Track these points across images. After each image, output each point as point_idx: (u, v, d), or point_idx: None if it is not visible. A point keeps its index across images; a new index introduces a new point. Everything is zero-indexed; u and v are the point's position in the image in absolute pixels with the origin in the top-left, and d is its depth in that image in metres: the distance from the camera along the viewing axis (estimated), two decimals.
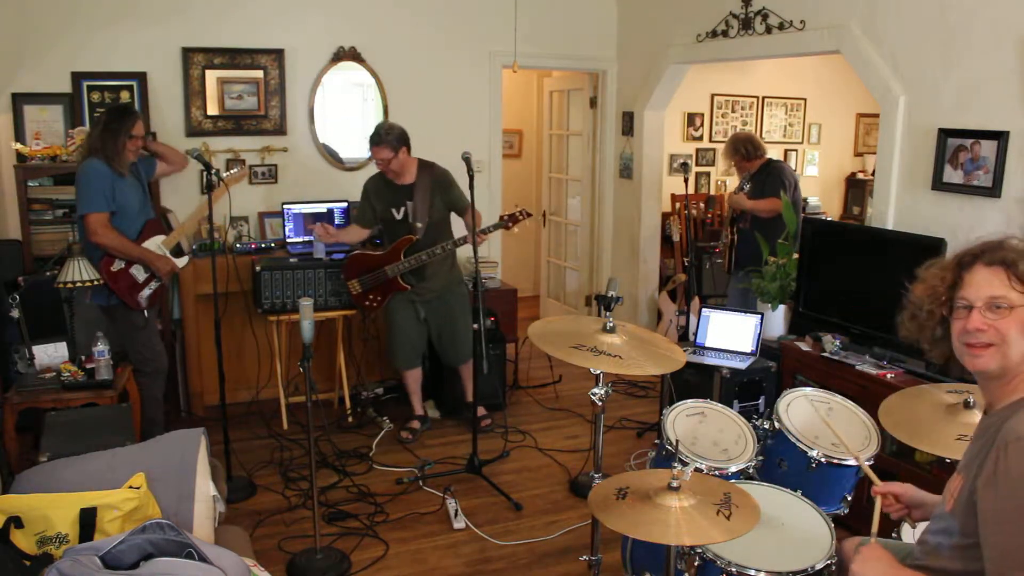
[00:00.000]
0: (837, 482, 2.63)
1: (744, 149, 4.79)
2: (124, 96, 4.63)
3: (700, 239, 6.24)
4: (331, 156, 5.24)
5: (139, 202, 3.76)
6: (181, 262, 3.91)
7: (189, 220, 4.00)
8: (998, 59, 3.28)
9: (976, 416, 2.20)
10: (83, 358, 3.44)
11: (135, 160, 3.75)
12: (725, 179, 6.89)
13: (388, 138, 4.06)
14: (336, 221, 4.94)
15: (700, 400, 2.92)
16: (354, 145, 5.38)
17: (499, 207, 5.68)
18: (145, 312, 3.74)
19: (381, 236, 4.48)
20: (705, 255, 5.99)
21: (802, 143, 7.31)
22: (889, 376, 3.36)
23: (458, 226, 4.32)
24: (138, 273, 3.71)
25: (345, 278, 4.35)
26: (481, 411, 4.35)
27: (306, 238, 4.76)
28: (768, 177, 4.69)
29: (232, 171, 4.20)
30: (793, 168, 6.64)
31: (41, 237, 4.33)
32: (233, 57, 4.87)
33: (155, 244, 3.78)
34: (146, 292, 3.74)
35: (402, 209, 4.21)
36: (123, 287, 3.68)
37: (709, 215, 6.61)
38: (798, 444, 2.62)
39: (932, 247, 3.34)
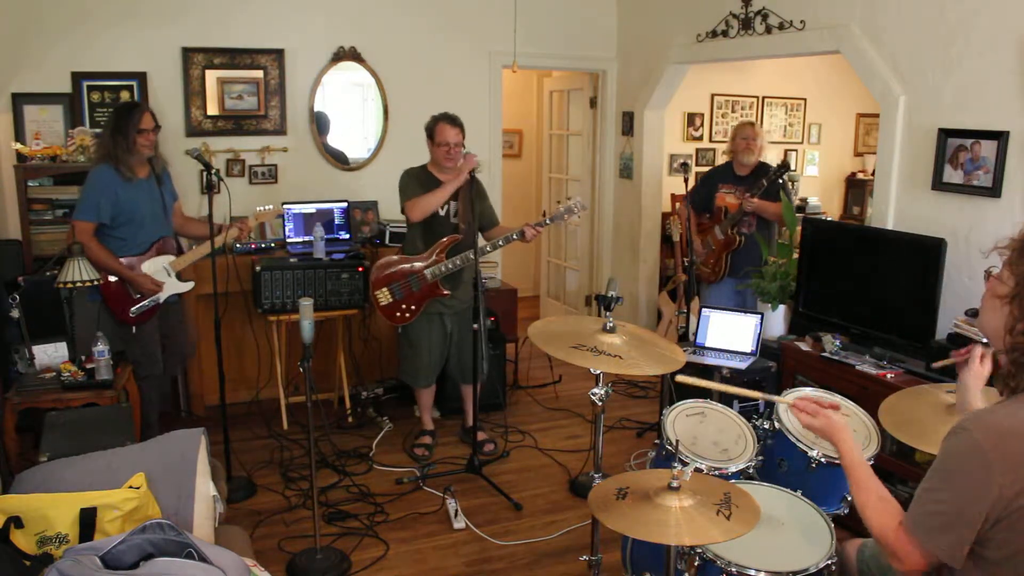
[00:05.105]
0: (837, 482, 2.62)
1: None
2: (124, 96, 4.63)
3: None
4: (332, 156, 5.25)
5: (150, 211, 3.71)
6: (185, 287, 3.85)
7: (205, 246, 3.79)
8: (998, 59, 3.29)
9: None
10: (83, 358, 3.44)
11: (151, 155, 3.67)
12: None
13: (461, 122, 3.98)
14: (336, 221, 4.94)
15: (700, 400, 2.92)
16: (355, 145, 5.39)
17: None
18: (133, 328, 3.72)
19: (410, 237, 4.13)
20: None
21: (802, 143, 7.30)
22: (889, 376, 3.36)
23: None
24: (132, 288, 3.70)
25: (372, 289, 4.03)
26: (481, 436, 4.24)
27: (306, 238, 4.76)
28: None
29: (267, 207, 4.15)
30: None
31: (41, 237, 4.33)
32: (233, 57, 4.87)
33: (158, 264, 3.75)
34: (136, 309, 3.71)
35: (446, 207, 4.00)
36: (113, 298, 3.68)
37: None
38: (798, 444, 2.62)
39: (932, 247, 3.35)
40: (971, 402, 1.98)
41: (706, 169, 6.86)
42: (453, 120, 3.97)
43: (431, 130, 3.98)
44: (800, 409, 1.94)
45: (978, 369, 2.00)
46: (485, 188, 4.21)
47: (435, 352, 4.15)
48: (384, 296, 4.01)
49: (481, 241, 4.11)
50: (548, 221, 3.99)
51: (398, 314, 4.03)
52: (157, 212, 3.75)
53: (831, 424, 1.87)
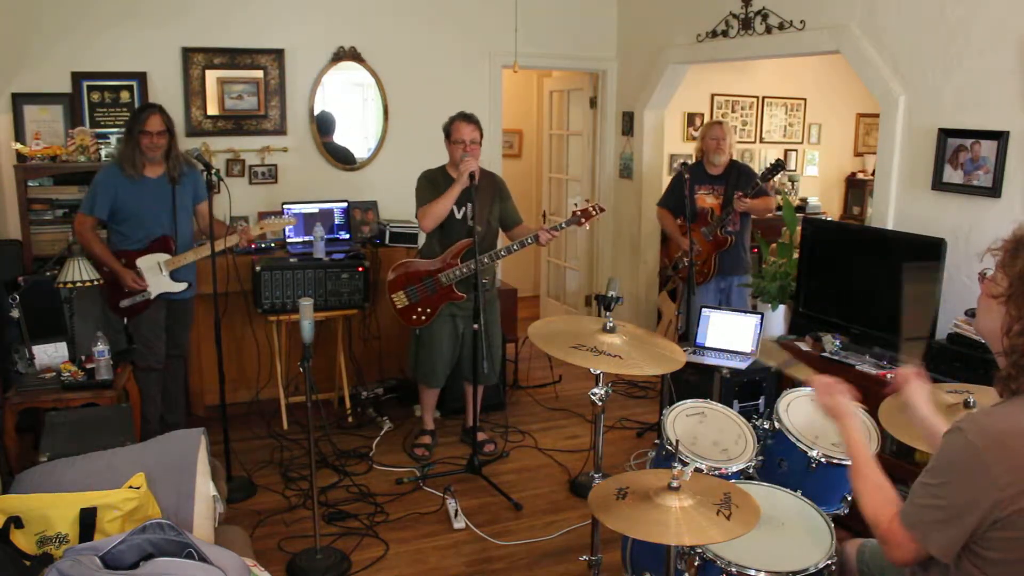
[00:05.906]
0: (837, 482, 2.63)
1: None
2: (124, 96, 4.63)
3: None
4: (339, 155, 5.25)
5: (154, 210, 3.74)
6: (177, 286, 3.85)
7: (205, 247, 3.80)
8: (998, 59, 3.29)
9: None
10: (83, 358, 3.44)
11: (154, 156, 3.70)
12: None
13: (477, 120, 3.99)
14: (336, 221, 4.94)
15: (700, 400, 2.92)
16: (355, 145, 5.39)
17: None
18: (124, 319, 3.74)
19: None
20: None
21: (802, 143, 7.31)
22: (889, 376, 3.34)
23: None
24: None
25: (389, 292, 4.03)
26: (481, 436, 4.24)
27: (306, 238, 4.76)
28: (741, 176, 4.63)
29: (274, 218, 4.17)
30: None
31: (41, 237, 4.33)
32: (233, 57, 4.87)
33: (152, 261, 3.76)
34: (126, 302, 3.73)
35: (462, 209, 3.98)
36: (107, 289, 3.70)
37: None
38: (798, 444, 2.62)
39: (932, 247, 3.35)
40: (922, 416, 1.96)
41: None
42: (469, 118, 3.99)
43: (448, 129, 4.00)
44: (818, 386, 2.02)
45: (917, 385, 1.99)
46: (508, 188, 4.21)
47: (447, 352, 4.15)
48: (400, 299, 4.01)
49: (500, 242, 4.12)
50: (563, 225, 3.98)
51: (415, 317, 4.03)
52: (163, 212, 3.77)
53: (839, 406, 1.94)
